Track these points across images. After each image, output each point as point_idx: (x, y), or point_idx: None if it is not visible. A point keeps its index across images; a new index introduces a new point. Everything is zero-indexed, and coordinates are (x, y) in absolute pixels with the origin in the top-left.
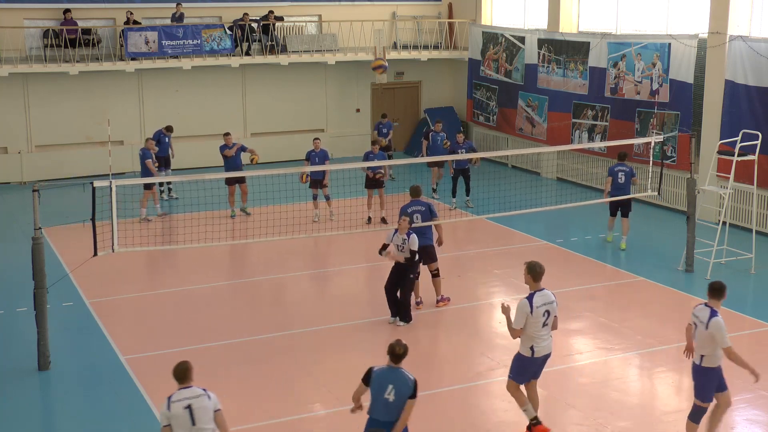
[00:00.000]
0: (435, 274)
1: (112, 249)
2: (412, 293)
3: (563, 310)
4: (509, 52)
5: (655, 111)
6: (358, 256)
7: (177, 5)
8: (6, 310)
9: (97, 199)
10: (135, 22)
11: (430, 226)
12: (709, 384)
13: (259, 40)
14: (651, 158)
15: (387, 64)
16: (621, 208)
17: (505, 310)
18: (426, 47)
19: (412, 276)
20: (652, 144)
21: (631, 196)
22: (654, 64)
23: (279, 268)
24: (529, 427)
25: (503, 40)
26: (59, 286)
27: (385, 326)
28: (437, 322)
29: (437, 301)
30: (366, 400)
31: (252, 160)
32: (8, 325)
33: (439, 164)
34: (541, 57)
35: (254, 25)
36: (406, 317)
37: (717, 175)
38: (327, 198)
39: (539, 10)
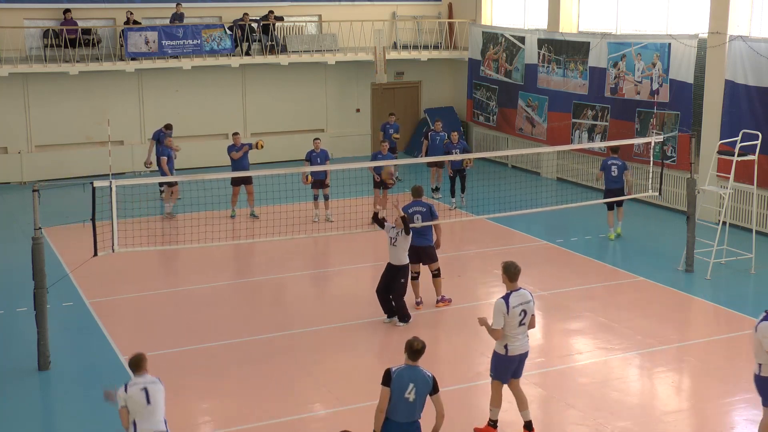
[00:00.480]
0: (435, 274)
1: (112, 249)
2: (413, 293)
3: (563, 310)
4: (509, 52)
5: (655, 111)
6: (358, 256)
7: (177, 5)
8: (6, 310)
9: (97, 199)
10: (135, 22)
11: (431, 226)
12: None
13: (259, 40)
14: (651, 158)
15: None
16: (615, 202)
17: (481, 321)
18: (426, 47)
19: (402, 281)
20: (652, 144)
21: (625, 198)
22: (654, 64)
23: (279, 268)
24: (490, 424)
25: (503, 40)
26: (59, 286)
27: (386, 326)
28: (437, 322)
29: (437, 301)
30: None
31: (258, 144)
32: (8, 325)
33: (439, 164)
34: (541, 57)
35: (254, 25)
36: (403, 318)
37: (717, 175)
38: (326, 197)
39: (539, 10)
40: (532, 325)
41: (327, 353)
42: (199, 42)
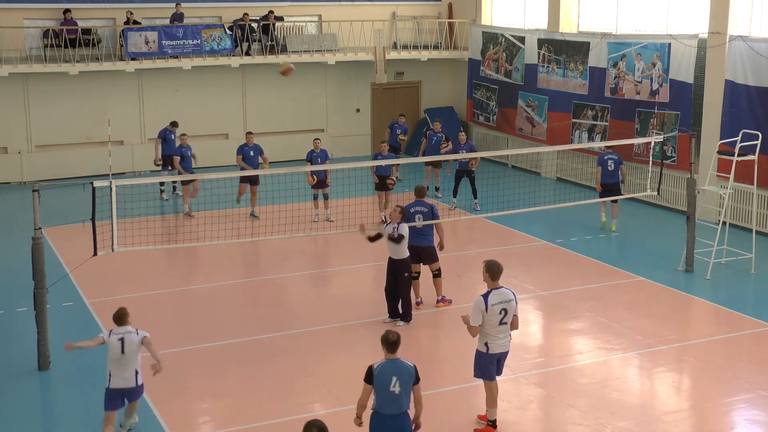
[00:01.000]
0: (436, 274)
1: (112, 249)
2: (413, 294)
3: (563, 310)
4: (509, 52)
5: (655, 111)
6: (358, 255)
7: (177, 5)
8: (6, 310)
9: (97, 199)
10: (135, 22)
11: (431, 226)
12: None
13: (259, 40)
14: (651, 158)
15: (293, 66)
16: (610, 194)
17: (465, 319)
18: (426, 47)
19: (407, 275)
20: (652, 144)
21: (622, 197)
22: (654, 64)
23: (279, 268)
24: (489, 424)
25: (503, 40)
26: (59, 286)
27: (386, 326)
28: (437, 322)
29: (437, 302)
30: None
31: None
32: (8, 325)
33: (435, 164)
34: (541, 57)
35: (254, 25)
36: (406, 317)
37: (717, 175)
38: (326, 197)
39: (539, 10)
40: (515, 326)
41: (327, 353)
42: (199, 42)
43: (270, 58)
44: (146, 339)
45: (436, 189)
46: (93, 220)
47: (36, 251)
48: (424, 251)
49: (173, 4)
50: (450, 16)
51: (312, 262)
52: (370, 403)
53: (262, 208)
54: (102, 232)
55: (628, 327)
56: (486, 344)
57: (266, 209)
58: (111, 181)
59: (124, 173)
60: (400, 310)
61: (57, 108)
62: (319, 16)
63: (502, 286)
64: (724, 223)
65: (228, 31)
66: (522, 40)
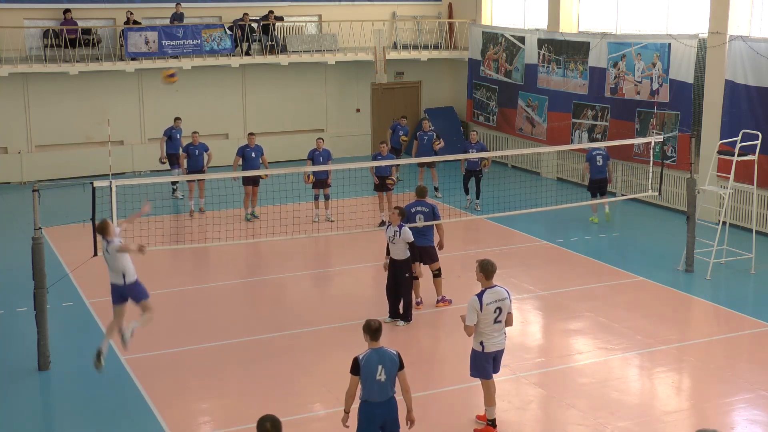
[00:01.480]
0: (436, 274)
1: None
2: (413, 293)
3: (563, 310)
4: (509, 52)
5: (655, 111)
6: (358, 256)
7: (177, 5)
8: (6, 310)
9: (97, 199)
10: (135, 22)
11: (432, 226)
12: None
13: (259, 40)
14: (651, 158)
15: (175, 71)
16: (599, 190)
17: (463, 318)
18: (426, 47)
19: (408, 275)
20: (652, 144)
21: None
22: (654, 64)
23: (279, 268)
24: (489, 423)
25: (503, 40)
26: (59, 286)
27: (386, 326)
28: (437, 322)
29: (437, 302)
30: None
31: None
32: (8, 325)
33: (429, 164)
34: (541, 57)
35: (254, 25)
36: (407, 317)
37: (717, 175)
38: (326, 197)
39: (539, 10)
40: (509, 323)
41: (327, 353)
42: (199, 42)
43: (270, 58)
44: (120, 246)
45: (436, 189)
46: (93, 220)
47: (36, 251)
48: (424, 251)
49: (173, 4)
50: (450, 16)
51: (312, 262)
52: (358, 393)
53: (263, 209)
54: None
55: (628, 327)
56: (481, 343)
57: (267, 209)
58: (111, 181)
59: (124, 173)
60: (401, 310)
61: (57, 108)
62: (319, 16)
63: (496, 285)
64: (724, 223)
65: (228, 31)
66: (522, 40)
